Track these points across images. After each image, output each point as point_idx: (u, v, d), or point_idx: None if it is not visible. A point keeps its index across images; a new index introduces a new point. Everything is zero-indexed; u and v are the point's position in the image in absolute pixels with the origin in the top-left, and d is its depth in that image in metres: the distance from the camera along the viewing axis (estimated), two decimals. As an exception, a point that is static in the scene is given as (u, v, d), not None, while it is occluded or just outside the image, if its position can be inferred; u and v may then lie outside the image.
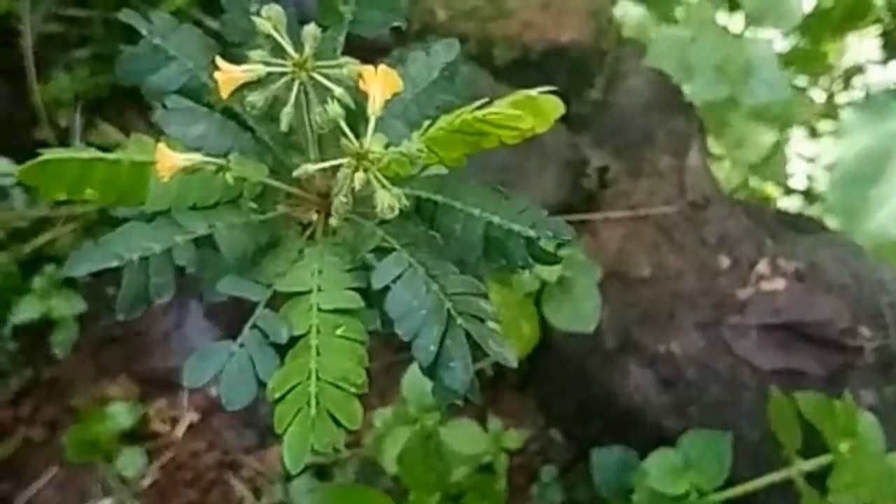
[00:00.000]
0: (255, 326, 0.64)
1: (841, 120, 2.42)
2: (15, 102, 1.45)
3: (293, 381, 0.62)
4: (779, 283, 1.32)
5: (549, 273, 1.19)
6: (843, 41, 2.62)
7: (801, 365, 1.26)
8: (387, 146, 0.68)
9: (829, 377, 1.27)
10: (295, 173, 0.58)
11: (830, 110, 2.38)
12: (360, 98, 0.57)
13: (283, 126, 0.56)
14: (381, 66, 0.54)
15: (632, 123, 1.50)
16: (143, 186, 0.66)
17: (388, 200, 0.56)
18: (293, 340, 0.63)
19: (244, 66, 0.55)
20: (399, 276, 0.65)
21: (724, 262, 1.34)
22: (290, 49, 0.55)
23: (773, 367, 1.26)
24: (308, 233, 0.69)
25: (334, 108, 0.54)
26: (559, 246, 0.67)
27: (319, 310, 0.64)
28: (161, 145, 0.58)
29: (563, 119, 1.53)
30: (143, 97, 0.71)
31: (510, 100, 0.67)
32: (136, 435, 1.49)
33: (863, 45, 2.68)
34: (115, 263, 0.63)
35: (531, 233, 0.65)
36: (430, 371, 0.63)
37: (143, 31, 0.69)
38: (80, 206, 1.29)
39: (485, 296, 0.66)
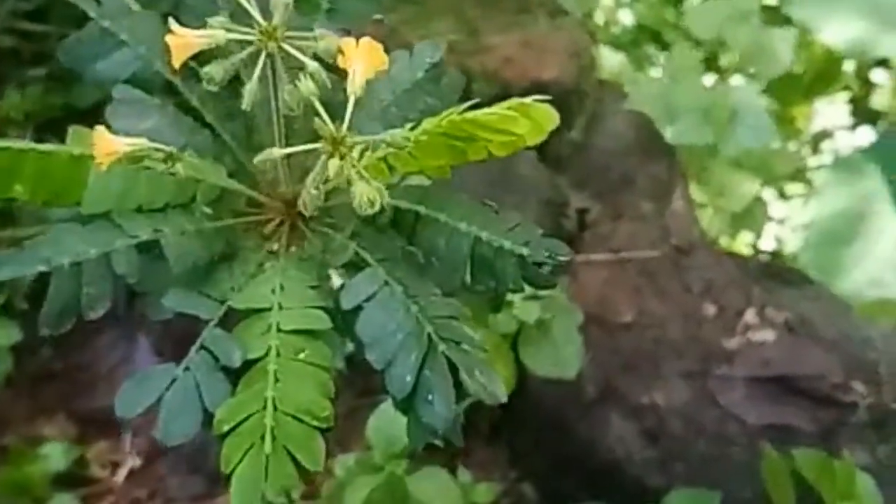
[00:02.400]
0: (203, 348, 0.55)
1: (815, 180, 2.40)
2: (-37, 120, 1.37)
3: (246, 411, 0.53)
4: (768, 334, 1.26)
5: (528, 314, 1.11)
6: (812, 106, 2.62)
7: (792, 420, 1.20)
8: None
9: (822, 433, 1.20)
10: (257, 158, 0.50)
11: (800, 173, 2.36)
12: (337, 81, 0.49)
13: (246, 104, 0.48)
14: (365, 39, 0.47)
15: (612, 166, 1.45)
16: (81, 184, 0.57)
17: (367, 194, 0.48)
18: (248, 365, 0.54)
19: (201, 31, 0.48)
20: (373, 295, 0.56)
21: (710, 309, 1.28)
22: (257, 15, 0.48)
23: (762, 421, 1.20)
24: (270, 244, 0.61)
25: (307, 85, 0.46)
26: (555, 269, 0.60)
27: (279, 330, 0.55)
28: (100, 128, 0.50)
29: (543, 158, 1.46)
30: (100, 119, 0.63)
31: (504, 104, 0.60)
32: (72, 479, 1.38)
33: (831, 110, 2.68)
34: (41, 268, 0.54)
35: (524, 251, 0.58)
36: (405, 405, 0.55)
37: (92, 14, 0.61)
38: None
39: (470, 321, 0.58)
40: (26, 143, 0.57)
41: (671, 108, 1.39)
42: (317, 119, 0.46)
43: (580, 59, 1.44)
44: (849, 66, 2.62)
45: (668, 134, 1.42)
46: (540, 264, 0.58)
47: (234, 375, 0.55)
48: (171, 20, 0.49)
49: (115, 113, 0.60)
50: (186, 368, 0.55)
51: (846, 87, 2.70)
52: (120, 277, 0.56)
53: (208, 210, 0.59)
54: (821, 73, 2.50)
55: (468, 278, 0.59)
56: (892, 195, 2.33)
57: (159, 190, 0.58)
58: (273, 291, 0.57)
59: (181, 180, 0.58)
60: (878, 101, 2.70)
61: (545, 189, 1.33)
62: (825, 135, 2.60)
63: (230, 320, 0.58)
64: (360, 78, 0.47)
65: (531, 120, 0.60)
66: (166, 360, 0.56)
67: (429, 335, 0.55)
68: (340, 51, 0.47)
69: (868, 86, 2.69)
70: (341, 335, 0.57)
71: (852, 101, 2.66)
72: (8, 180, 0.57)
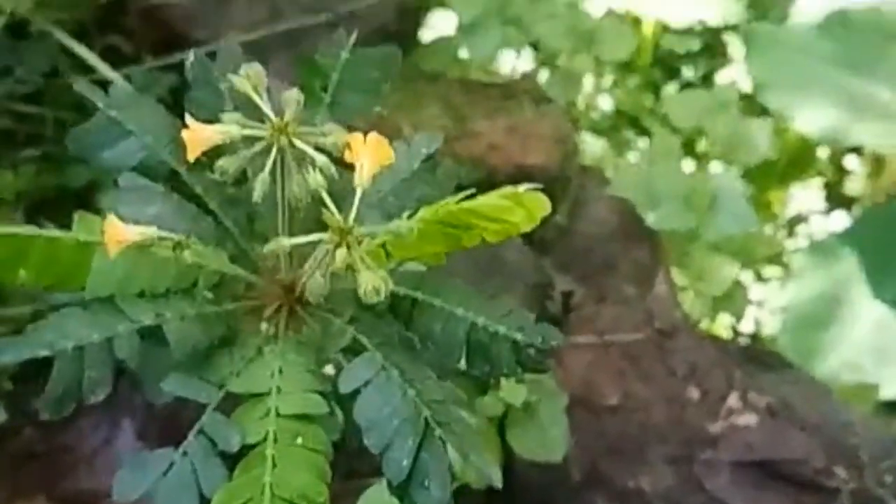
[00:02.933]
0: (201, 432, 0.56)
1: (792, 264, 2.44)
2: (-46, 199, 1.37)
3: (243, 496, 0.53)
4: (751, 419, 1.27)
5: (515, 396, 1.12)
6: (787, 191, 2.68)
7: (777, 505, 1.20)
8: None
9: (806, 519, 1.20)
10: (266, 247, 0.51)
11: (776, 256, 2.40)
12: (342, 173, 0.51)
13: (256, 196, 0.50)
14: (372, 134, 0.49)
15: (596, 250, 1.47)
16: (86, 269, 0.59)
17: (372, 282, 0.50)
18: (245, 450, 0.55)
19: (216, 126, 0.50)
20: (370, 380, 0.57)
21: (694, 393, 1.30)
22: (268, 111, 0.50)
23: (748, 506, 1.20)
24: (268, 329, 0.62)
25: (316, 178, 0.48)
26: (546, 353, 0.61)
27: (278, 415, 0.56)
28: (111, 216, 0.51)
29: (529, 241, 1.48)
30: (91, 199, 0.64)
31: (498, 193, 0.62)
32: (50, 566, 1.34)
33: (806, 195, 2.74)
34: (45, 352, 0.55)
35: (519, 336, 0.59)
36: (401, 490, 0.56)
37: (100, 104, 0.63)
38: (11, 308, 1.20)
39: (466, 405, 0.59)
40: (33, 229, 0.59)
41: (652, 194, 1.43)
42: (325, 210, 0.48)
43: (564, 146, 1.48)
44: (822, 153, 2.69)
45: (650, 219, 1.45)
46: (533, 349, 0.60)
47: (231, 460, 0.55)
48: (187, 116, 0.51)
49: (120, 199, 0.61)
50: (184, 453, 0.55)
51: (820, 173, 2.77)
52: (121, 362, 0.56)
53: (209, 295, 0.61)
54: (795, 159, 2.56)
55: (463, 362, 0.61)
56: (867, 280, 2.37)
57: (162, 275, 0.60)
58: (272, 375, 0.58)
59: (184, 266, 0.60)
60: (852, 186, 2.77)
61: (530, 272, 1.36)
62: (800, 219, 2.65)
63: (227, 404, 0.59)
64: (368, 172, 0.49)
65: (524, 208, 0.62)
66: (149, 445, 0.57)
67: (426, 419, 0.56)
68: (348, 145, 0.49)
69: (841, 172, 2.76)
70: (337, 419, 0.58)
71: (826, 186, 2.73)
72: (13, 265, 0.58)
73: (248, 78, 0.50)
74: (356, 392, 0.57)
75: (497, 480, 0.56)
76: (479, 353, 0.60)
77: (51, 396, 0.55)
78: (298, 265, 0.63)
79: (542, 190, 0.62)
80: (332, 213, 0.48)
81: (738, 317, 1.75)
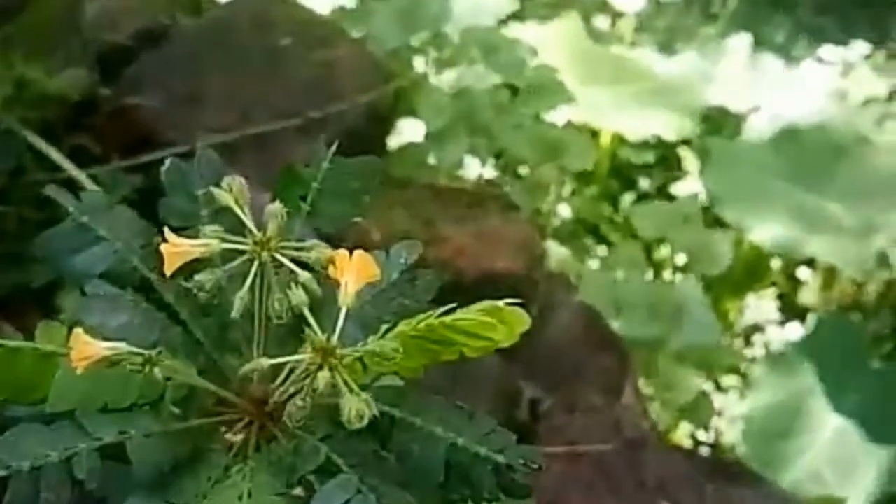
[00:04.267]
0: (164, 559, 0.52)
1: (750, 374, 2.45)
2: None
3: None
4: (722, 534, 1.25)
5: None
6: (743, 301, 2.72)
7: None
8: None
9: None
10: (243, 369, 0.49)
11: (735, 366, 2.41)
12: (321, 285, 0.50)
13: (235, 313, 0.48)
14: (358, 252, 0.48)
15: (563, 357, 1.46)
16: (47, 381, 0.56)
17: (356, 406, 0.48)
18: (211, 579, 0.52)
19: (197, 241, 0.48)
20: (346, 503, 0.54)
21: (664, 507, 1.27)
22: (251, 225, 0.48)
23: None
24: (237, 447, 0.59)
25: (299, 295, 0.46)
26: (528, 478, 0.59)
27: (247, 543, 0.52)
28: (78, 330, 0.49)
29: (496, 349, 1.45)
30: (52, 298, 0.62)
31: (478, 307, 0.61)
32: None
33: (761, 305, 2.78)
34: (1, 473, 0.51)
35: (500, 458, 0.57)
36: None
37: (71, 208, 0.61)
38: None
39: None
40: (-8, 339, 0.56)
41: (617, 302, 1.43)
42: (307, 329, 0.46)
43: (530, 252, 1.49)
44: (776, 264, 2.74)
45: (616, 327, 1.45)
46: (516, 473, 0.57)
47: (196, 591, 0.52)
48: (165, 229, 0.49)
49: (87, 308, 0.59)
50: (145, 585, 0.51)
51: (774, 284, 2.81)
52: (80, 483, 0.53)
53: (176, 410, 0.58)
54: (750, 270, 2.61)
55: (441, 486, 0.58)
56: (824, 391, 2.38)
57: (127, 389, 0.57)
58: (240, 497, 0.55)
59: (151, 379, 0.57)
60: (806, 297, 2.81)
61: (498, 379, 1.34)
62: (756, 329, 2.68)
63: (192, 528, 0.55)
64: (352, 289, 0.47)
65: (505, 324, 0.61)
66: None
67: (403, 549, 0.53)
68: (331, 261, 0.47)
69: (795, 282, 2.81)
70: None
71: (780, 297, 2.77)
72: (-32, 376, 0.55)
73: (230, 190, 0.48)
74: (329, 517, 0.54)
75: None
76: (459, 476, 0.57)
77: (3, 520, 0.51)
78: (271, 379, 0.60)
79: (510, 295, 0.61)
80: (315, 333, 0.46)
81: (704, 426, 1.74)
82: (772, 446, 2.21)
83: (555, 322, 1.51)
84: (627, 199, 2.75)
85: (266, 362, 0.48)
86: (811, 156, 2.71)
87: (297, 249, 0.48)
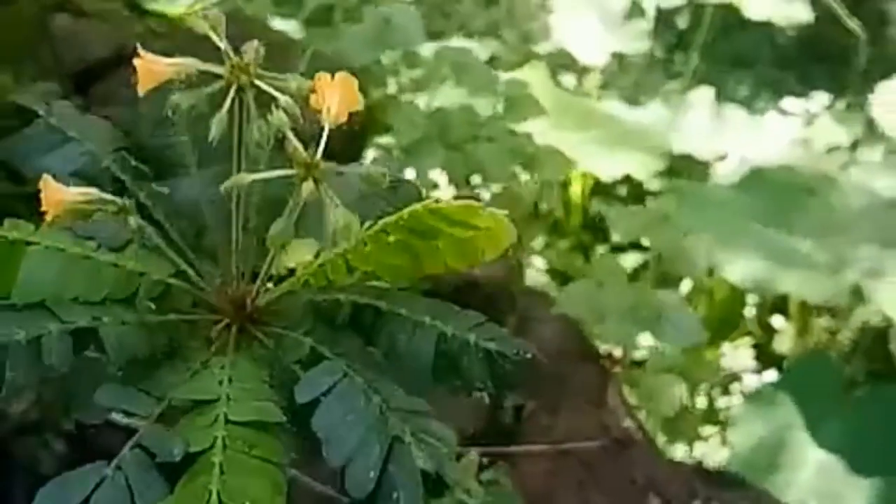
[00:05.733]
0: (137, 446, 0.49)
1: (728, 421, 2.42)
2: None
3: (187, 506, 0.46)
4: (716, 529, 1.21)
5: (473, 499, 1.04)
6: (718, 350, 2.71)
7: None
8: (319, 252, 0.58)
9: None
10: (224, 185, 0.47)
11: (710, 416, 2.39)
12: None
13: (214, 133, 0.46)
14: (340, 73, 0.46)
15: (544, 368, 1.43)
16: (14, 272, 0.53)
17: (344, 218, 0.45)
18: (189, 460, 0.48)
19: (171, 60, 0.46)
20: (331, 388, 0.52)
21: (655, 502, 1.23)
22: (229, 50, 0.47)
23: None
24: (217, 345, 0.56)
25: (279, 117, 0.44)
26: (519, 367, 0.57)
27: (228, 421, 0.49)
28: (47, 176, 0.47)
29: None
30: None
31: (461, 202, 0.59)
32: None
33: (737, 354, 2.77)
34: (-40, 347, 0.48)
35: (492, 346, 0.55)
36: (367, 506, 0.49)
37: (40, 111, 0.59)
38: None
39: (436, 419, 0.53)
40: (-44, 228, 0.53)
41: (598, 309, 1.41)
42: (290, 144, 0.44)
43: (508, 262, 1.47)
44: (750, 312, 2.74)
45: (597, 332, 1.43)
46: (508, 362, 0.55)
47: (174, 473, 0.48)
48: (139, 47, 0.47)
49: (54, 205, 0.56)
50: (118, 467, 0.48)
51: (749, 333, 2.81)
52: (49, 367, 0.50)
53: (152, 306, 0.55)
54: (724, 318, 2.61)
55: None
56: (805, 425, 2.36)
57: (98, 282, 0.54)
58: (220, 384, 0.52)
59: (123, 273, 0.55)
60: (780, 345, 2.81)
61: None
62: (733, 377, 2.67)
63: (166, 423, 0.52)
64: (336, 112, 0.45)
65: (491, 221, 0.59)
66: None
67: (392, 426, 0.50)
68: (313, 90, 0.46)
69: (769, 331, 2.81)
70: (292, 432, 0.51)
71: (755, 346, 2.76)
72: (-68, 267, 0.53)
73: (207, 19, 0.47)
74: (316, 401, 0.51)
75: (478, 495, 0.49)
76: (449, 366, 0.55)
77: (-36, 398, 0.48)
78: (249, 281, 0.58)
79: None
80: (297, 149, 0.44)
81: (689, 442, 1.71)
82: (757, 481, 2.17)
83: (534, 334, 1.48)
84: (600, 250, 2.76)
85: (247, 177, 0.46)
86: (780, 195, 2.75)
87: (277, 79, 0.46)
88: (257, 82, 0.45)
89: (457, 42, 2.52)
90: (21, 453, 1.22)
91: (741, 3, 3.20)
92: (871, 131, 3.25)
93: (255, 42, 0.46)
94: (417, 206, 0.55)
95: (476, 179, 1.55)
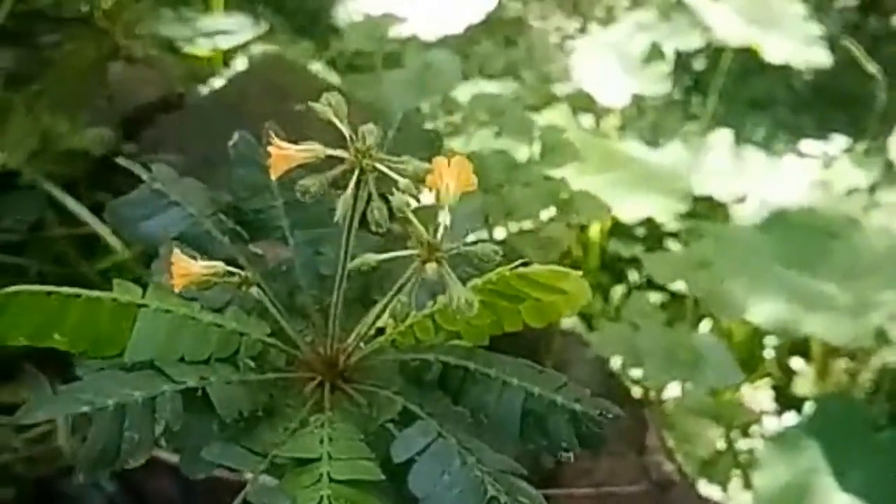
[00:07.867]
0: (245, 503, 0.51)
1: (757, 454, 2.42)
2: None
3: (299, 564, 0.48)
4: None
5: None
6: (738, 393, 2.71)
7: None
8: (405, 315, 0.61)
9: None
10: (352, 264, 0.49)
11: (731, 458, 2.39)
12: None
13: (339, 216, 0.49)
14: (456, 157, 0.49)
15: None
16: (124, 333, 0.56)
17: (462, 295, 0.48)
18: (296, 519, 0.50)
19: (301, 146, 0.49)
20: (426, 447, 0.54)
21: (697, 548, 1.24)
22: (350, 134, 0.50)
23: None
24: (312, 403, 0.58)
25: (400, 198, 0.47)
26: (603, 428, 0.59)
27: (332, 480, 0.52)
28: (176, 250, 0.50)
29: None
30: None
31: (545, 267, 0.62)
32: None
33: (757, 396, 2.77)
34: (84, 409, 0.51)
35: (577, 407, 0.57)
36: (464, 566, 0.51)
37: (144, 177, 0.63)
38: None
39: (529, 480, 0.55)
40: (71, 289, 0.56)
41: (636, 352, 1.43)
42: (411, 226, 0.47)
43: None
44: (769, 354, 2.75)
45: (636, 375, 1.45)
46: (592, 422, 0.58)
47: (281, 533, 0.50)
48: (272, 135, 0.51)
49: (161, 268, 0.59)
50: (228, 524, 0.50)
51: (768, 374, 2.81)
52: (162, 424, 0.53)
53: (252, 364, 0.58)
54: (743, 360, 2.61)
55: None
56: (831, 469, 2.36)
57: (204, 342, 0.57)
58: (321, 442, 0.54)
59: (226, 333, 0.57)
60: (800, 387, 2.80)
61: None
62: (754, 420, 2.66)
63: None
64: (453, 192, 0.48)
65: (570, 282, 0.62)
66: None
67: (488, 488, 0.52)
68: (429, 171, 0.49)
69: (789, 373, 2.81)
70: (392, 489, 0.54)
71: (775, 388, 2.76)
72: (48, 328, 0.55)
73: (330, 105, 0.50)
74: (411, 461, 0.54)
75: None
76: (536, 426, 0.57)
77: (87, 458, 0.50)
78: (340, 340, 0.61)
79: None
80: (419, 230, 0.47)
81: (724, 484, 1.71)
82: (785, 526, 2.17)
83: (571, 377, 1.49)
84: (619, 290, 2.77)
85: (372, 258, 0.49)
86: (802, 237, 2.76)
87: (394, 161, 0.49)
88: (378, 166, 0.48)
89: (483, 84, 2.55)
90: (71, 492, 1.24)
91: (760, 46, 3.23)
92: (890, 174, 3.26)
93: (372, 125, 0.49)
94: (505, 271, 0.58)
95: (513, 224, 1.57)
